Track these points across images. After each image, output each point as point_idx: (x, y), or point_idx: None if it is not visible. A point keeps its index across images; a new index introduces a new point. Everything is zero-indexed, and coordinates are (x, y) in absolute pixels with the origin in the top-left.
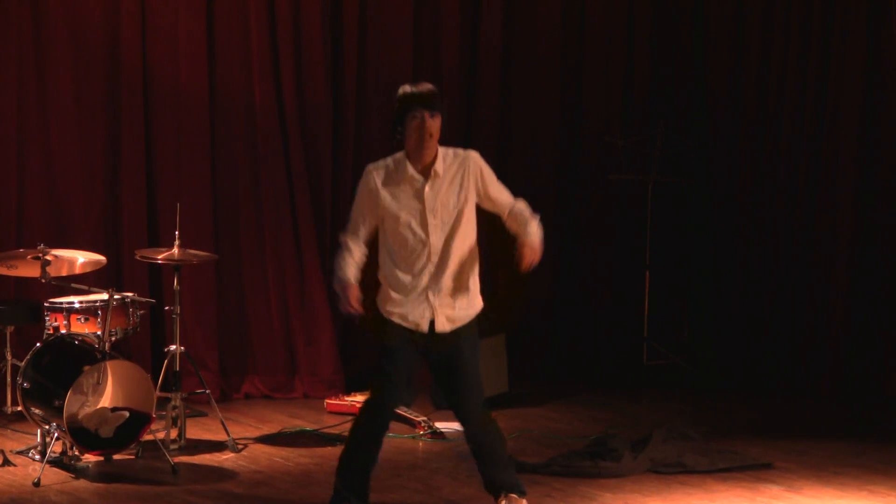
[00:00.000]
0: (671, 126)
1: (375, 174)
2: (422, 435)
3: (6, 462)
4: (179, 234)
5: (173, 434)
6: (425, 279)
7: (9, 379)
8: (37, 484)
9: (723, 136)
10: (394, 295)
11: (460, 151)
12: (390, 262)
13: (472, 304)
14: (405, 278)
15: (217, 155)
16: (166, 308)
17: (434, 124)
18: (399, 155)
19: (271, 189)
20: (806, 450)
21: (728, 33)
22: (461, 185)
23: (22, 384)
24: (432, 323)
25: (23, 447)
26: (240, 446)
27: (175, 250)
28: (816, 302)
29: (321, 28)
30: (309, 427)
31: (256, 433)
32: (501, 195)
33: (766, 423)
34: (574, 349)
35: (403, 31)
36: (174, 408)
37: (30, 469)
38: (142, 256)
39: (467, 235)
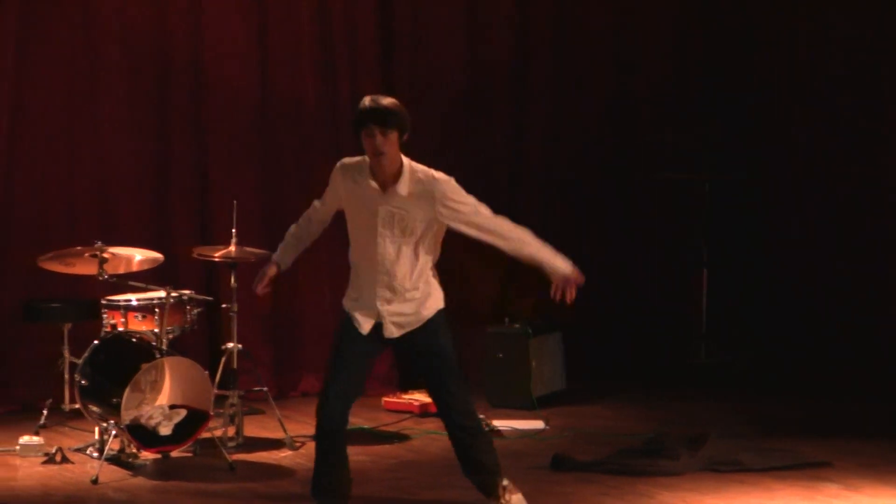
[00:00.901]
0: (725, 123)
1: (342, 171)
2: None
3: (64, 459)
4: (236, 231)
5: (231, 432)
6: (375, 286)
7: (66, 376)
8: (95, 481)
9: (777, 133)
10: (352, 291)
11: (430, 175)
12: (352, 260)
13: (422, 307)
14: (359, 278)
15: (268, 153)
16: (223, 306)
17: (387, 142)
18: (368, 159)
19: (323, 186)
20: (860, 449)
21: (780, 29)
22: (426, 211)
23: (79, 382)
24: (380, 326)
25: (80, 444)
26: (297, 444)
27: (232, 248)
28: (872, 301)
29: (374, 26)
30: (366, 425)
31: (313, 431)
32: (480, 222)
33: (822, 422)
34: (630, 347)
35: (455, 29)
36: (231, 405)
37: (87, 466)
38: (199, 254)
39: (421, 253)
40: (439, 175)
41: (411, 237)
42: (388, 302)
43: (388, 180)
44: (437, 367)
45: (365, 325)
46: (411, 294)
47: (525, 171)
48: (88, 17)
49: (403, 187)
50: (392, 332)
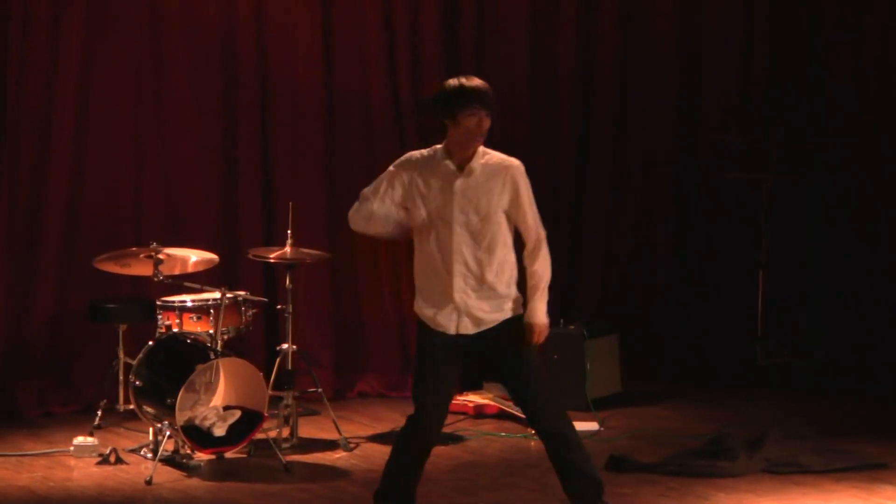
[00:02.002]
0: (789, 124)
1: (414, 159)
2: (534, 434)
3: (119, 460)
4: (292, 232)
5: (286, 433)
6: (450, 278)
7: (121, 377)
8: (149, 482)
9: (841, 134)
10: (425, 294)
11: (505, 158)
12: (421, 259)
13: (502, 307)
14: (433, 278)
15: (333, 153)
16: (279, 307)
17: (487, 124)
18: (438, 147)
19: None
20: None
21: (846, 30)
22: (497, 191)
23: (134, 382)
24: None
25: (135, 445)
26: (352, 445)
27: (287, 249)
28: None
29: (438, 26)
30: None
31: (370, 432)
32: (528, 219)
33: (882, 422)
34: (688, 348)
35: (520, 28)
36: (286, 406)
37: (142, 467)
38: (255, 255)
39: (498, 240)
40: (513, 159)
41: (487, 223)
42: (466, 294)
43: (465, 161)
44: (518, 369)
45: (450, 325)
46: (492, 287)
47: (590, 173)
48: (155, 18)
49: (476, 164)
50: (468, 327)
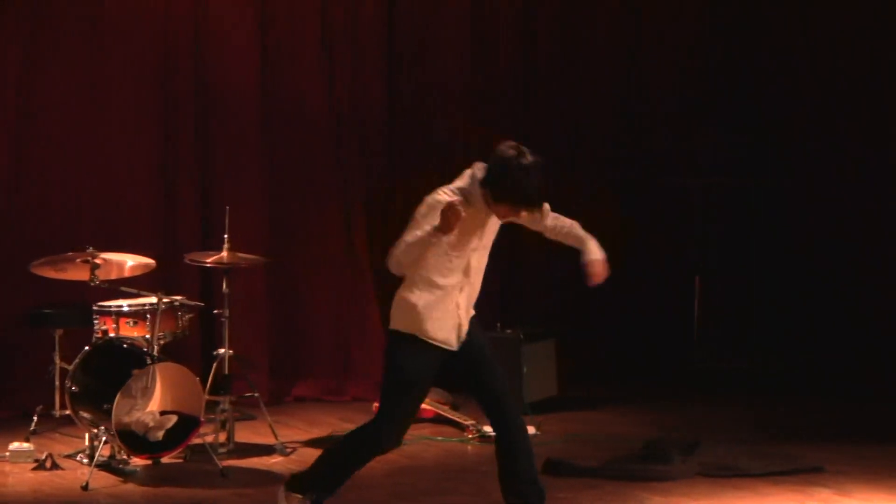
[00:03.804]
0: (724, 128)
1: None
2: (470, 438)
3: (54, 466)
4: (229, 237)
5: (222, 437)
6: (458, 296)
7: (57, 382)
8: (85, 488)
9: (777, 137)
10: (431, 313)
11: None
12: (428, 281)
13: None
14: (443, 296)
15: (271, 158)
16: (215, 311)
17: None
18: (471, 188)
19: (325, 192)
20: (863, 453)
21: (781, 33)
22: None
23: (70, 387)
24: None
25: (71, 451)
26: (289, 450)
27: (224, 254)
28: (878, 303)
29: (376, 30)
30: None
31: (306, 436)
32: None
33: (824, 426)
34: (625, 352)
35: (460, 33)
36: (223, 411)
37: (78, 473)
38: (191, 260)
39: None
40: None
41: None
42: (465, 311)
43: None
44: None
45: (453, 341)
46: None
47: None
48: (93, 24)
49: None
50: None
